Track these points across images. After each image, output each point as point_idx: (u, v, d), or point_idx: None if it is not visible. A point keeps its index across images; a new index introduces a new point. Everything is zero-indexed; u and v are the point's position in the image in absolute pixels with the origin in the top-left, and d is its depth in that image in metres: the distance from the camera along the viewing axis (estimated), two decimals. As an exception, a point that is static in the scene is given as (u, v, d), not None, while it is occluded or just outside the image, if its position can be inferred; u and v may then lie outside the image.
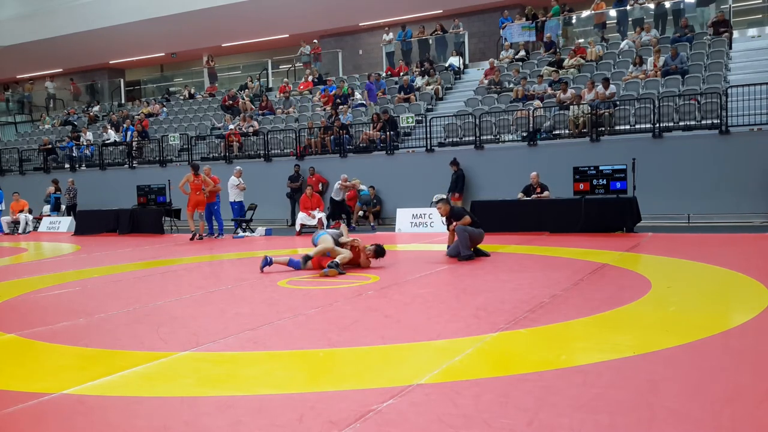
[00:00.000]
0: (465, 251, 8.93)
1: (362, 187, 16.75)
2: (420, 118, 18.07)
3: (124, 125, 23.70)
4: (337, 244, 8.55)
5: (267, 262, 8.47)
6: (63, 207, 20.71)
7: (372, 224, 16.35)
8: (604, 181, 12.35)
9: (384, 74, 22.09)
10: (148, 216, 17.06)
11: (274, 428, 3.12)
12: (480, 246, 9.30)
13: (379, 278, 7.71)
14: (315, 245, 8.61)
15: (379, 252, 8.68)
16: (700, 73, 15.92)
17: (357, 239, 8.83)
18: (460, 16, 22.97)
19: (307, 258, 8.47)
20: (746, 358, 4.04)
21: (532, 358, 4.17)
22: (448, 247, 9.42)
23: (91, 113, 27.49)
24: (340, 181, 15.75)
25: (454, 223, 9.21)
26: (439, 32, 22.45)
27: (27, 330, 5.48)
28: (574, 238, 11.31)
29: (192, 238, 14.22)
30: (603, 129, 15.20)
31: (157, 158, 21.29)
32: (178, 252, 12.31)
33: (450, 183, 15.70)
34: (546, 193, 13.28)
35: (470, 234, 9.03)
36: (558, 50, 19.39)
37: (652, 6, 19.60)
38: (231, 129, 20.59)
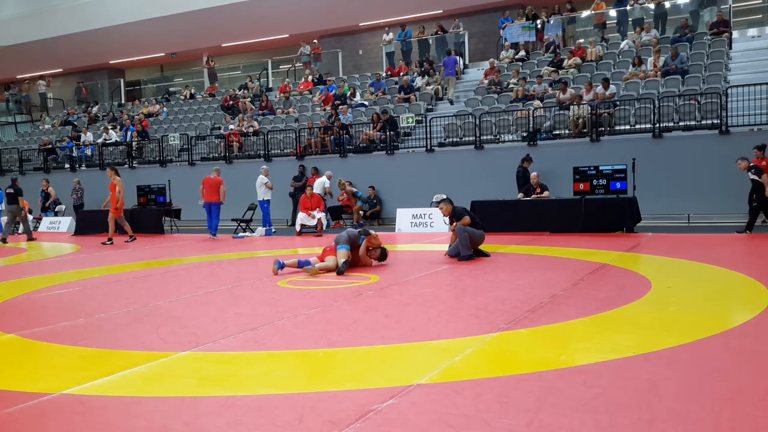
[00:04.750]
0: (465, 251, 8.93)
1: (354, 189, 17.03)
2: (420, 118, 18.08)
3: (125, 125, 23.72)
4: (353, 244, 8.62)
5: (280, 265, 8.45)
6: (64, 207, 20.73)
7: (362, 222, 16.42)
8: (604, 181, 12.36)
9: (384, 74, 22.09)
10: (148, 216, 17.08)
11: (274, 428, 3.12)
12: (480, 246, 9.30)
13: (379, 278, 7.71)
14: (336, 244, 8.60)
15: (383, 255, 8.90)
16: (700, 73, 15.92)
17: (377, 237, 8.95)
18: (460, 16, 22.97)
19: (346, 264, 8.35)
20: (746, 358, 4.04)
21: (532, 358, 4.17)
22: (450, 246, 9.43)
23: (91, 113, 27.49)
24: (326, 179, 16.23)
25: (455, 223, 9.22)
26: (439, 32, 22.45)
27: (27, 330, 5.48)
28: (574, 238, 11.31)
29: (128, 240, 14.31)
30: (603, 129, 15.20)
31: (157, 158, 21.30)
32: (178, 252, 12.31)
33: (525, 181, 14.48)
34: (546, 193, 13.29)
35: (470, 234, 9.03)
36: (558, 51, 19.39)
37: (652, 6, 19.61)
38: (231, 129, 20.60)
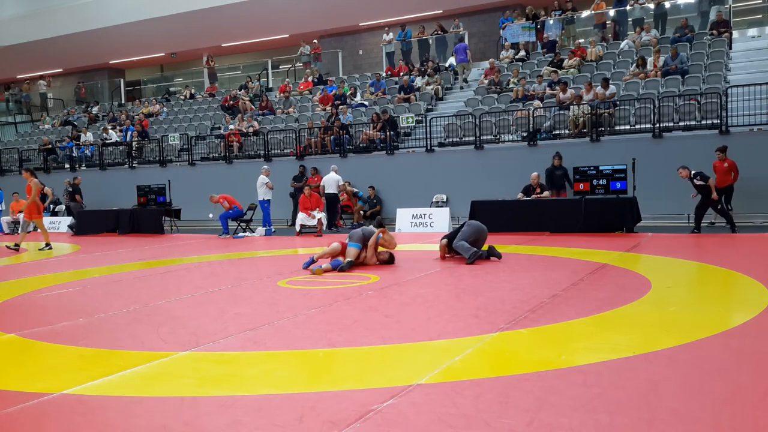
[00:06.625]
0: (477, 250, 8.83)
1: (355, 189, 17.05)
2: (420, 118, 18.08)
3: (124, 125, 23.72)
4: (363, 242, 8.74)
5: (311, 260, 8.58)
6: (64, 207, 20.73)
7: (361, 222, 16.37)
8: (604, 181, 12.36)
9: (384, 74, 22.09)
10: (148, 216, 17.08)
11: (274, 428, 3.12)
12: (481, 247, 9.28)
13: (379, 278, 7.71)
14: (349, 240, 8.77)
15: (391, 260, 8.92)
16: (700, 73, 15.92)
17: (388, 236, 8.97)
18: (460, 16, 22.97)
19: (350, 264, 8.47)
20: (746, 358, 4.04)
21: (532, 358, 4.17)
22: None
23: (91, 113, 27.49)
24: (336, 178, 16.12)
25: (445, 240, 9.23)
26: (439, 32, 22.45)
27: (27, 330, 5.48)
28: (574, 238, 11.31)
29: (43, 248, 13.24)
30: (603, 129, 15.20)
31: (157, 158, 21.30)
32: (178, 252, 12.31)
33: (557, 180, 14.07)
34: (546, 194, 13.29)
35: (474, 230, 9.05)
36: (558, 50, 19.38)
37: (652, 6, 19.61)
38: (231, 129, 20.60)
